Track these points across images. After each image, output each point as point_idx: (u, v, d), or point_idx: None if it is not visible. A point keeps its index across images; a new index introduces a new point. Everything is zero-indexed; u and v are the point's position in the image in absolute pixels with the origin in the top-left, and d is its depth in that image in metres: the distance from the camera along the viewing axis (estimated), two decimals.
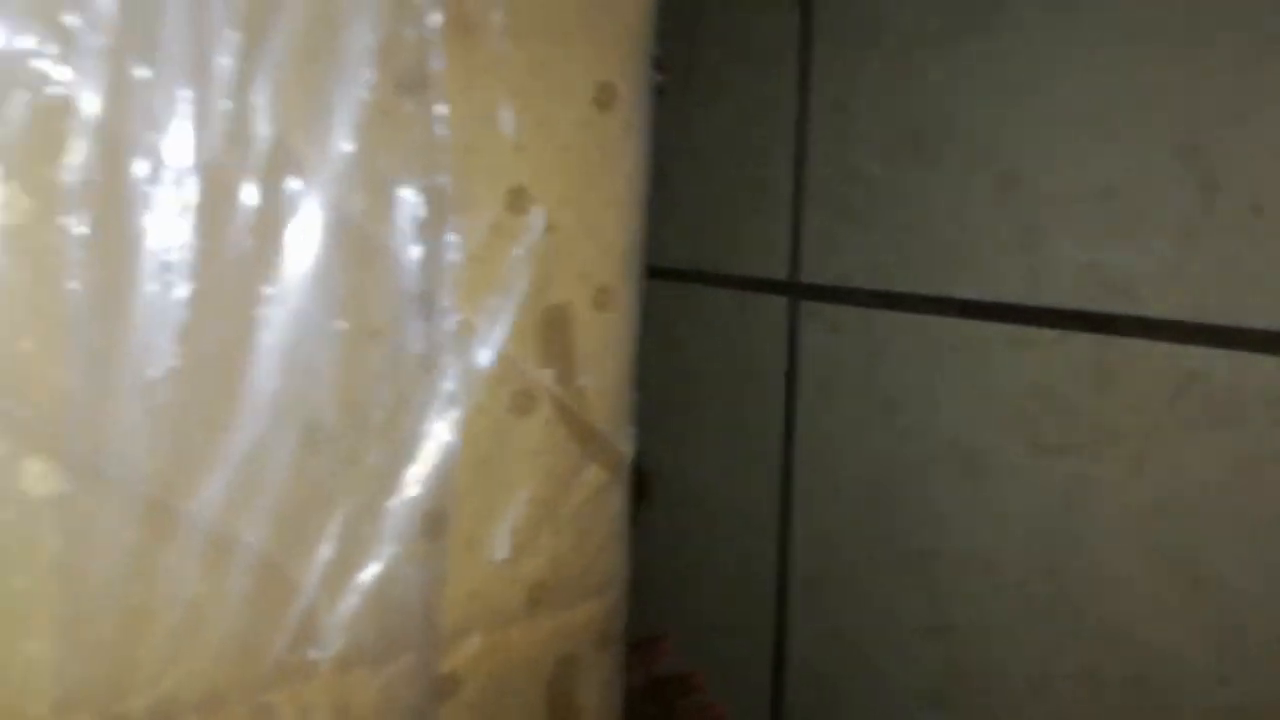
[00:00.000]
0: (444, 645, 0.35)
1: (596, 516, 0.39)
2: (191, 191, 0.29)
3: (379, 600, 0.34)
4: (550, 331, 0.38)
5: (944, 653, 0.58)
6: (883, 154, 0.60)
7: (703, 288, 0.72)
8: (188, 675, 0.30)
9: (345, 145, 0.32)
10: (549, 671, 0.38)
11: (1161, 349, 0.48)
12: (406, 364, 0.34)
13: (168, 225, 0.29)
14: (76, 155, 0.27)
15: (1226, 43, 0.45)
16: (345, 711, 0.33)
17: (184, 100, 0.28)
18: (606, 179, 0.39)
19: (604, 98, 0.39)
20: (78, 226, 0.27)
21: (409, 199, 0.34)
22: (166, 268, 0.29)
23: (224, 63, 0.29)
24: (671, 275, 0.73)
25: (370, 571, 0.34)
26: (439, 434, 0.34)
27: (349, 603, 0.33)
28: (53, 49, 0.26)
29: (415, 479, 0.34)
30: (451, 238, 0.35)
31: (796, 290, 0.65)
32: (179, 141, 0.29)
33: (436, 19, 0.34)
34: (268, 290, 0.31)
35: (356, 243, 0.33)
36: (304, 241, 0.31)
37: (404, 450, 0.34)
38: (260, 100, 0.30)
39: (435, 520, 0.34)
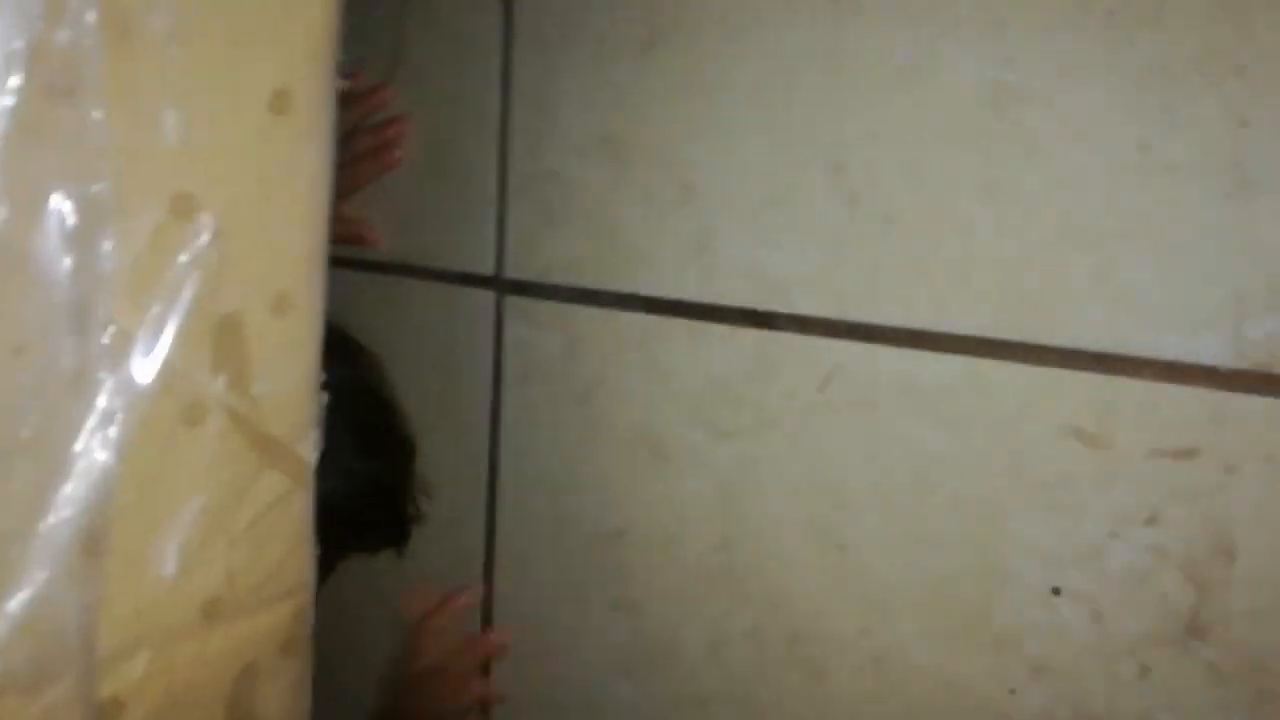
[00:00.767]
0: (105, 668, 0.34)
1: (278, 524, 0.39)
2: None
3: (31, 626, 0.32)
4: (222, 339, 0.37)
5: (631, 625, 0.62)
6: (579, 156, 0.63)
7: (413, 281, 0.72)
8: None
9: None
10: (229, 683, 0.38)
11: (812, 343, 0.54)
12: (56, 380, 0.32)
13: None
14: None
15: (864, 72, 0.51)
16: None
17: None
18: (283, 184, 0.39)
19: (280, 103, 0.39)
20: None
21: (60, 208, 0.32)
22: None
23: None
24: (379, 268, 0.73)
25: (21, 597, 0.32)
26: (94, 451, 0.33)
27: None
28: None
29: (69, 499, 0.33)
30: (107, 246, 0.34)
31: (502, 285, 0.67)
32: None
33: (91, 21, 0.32)
34: None
35: (1, 254, 0.31)
36: None
37: (56, 470, 0.33)
38: None
39: (93, 540, 0.33)
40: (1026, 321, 0.47)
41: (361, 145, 0.71)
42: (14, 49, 0.31)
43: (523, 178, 0.66)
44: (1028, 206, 0.47)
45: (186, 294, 0.36)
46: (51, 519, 0.33)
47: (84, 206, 0.33)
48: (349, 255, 0.72)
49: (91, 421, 0.33)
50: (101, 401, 0.34)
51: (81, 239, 0.33)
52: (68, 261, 0.33)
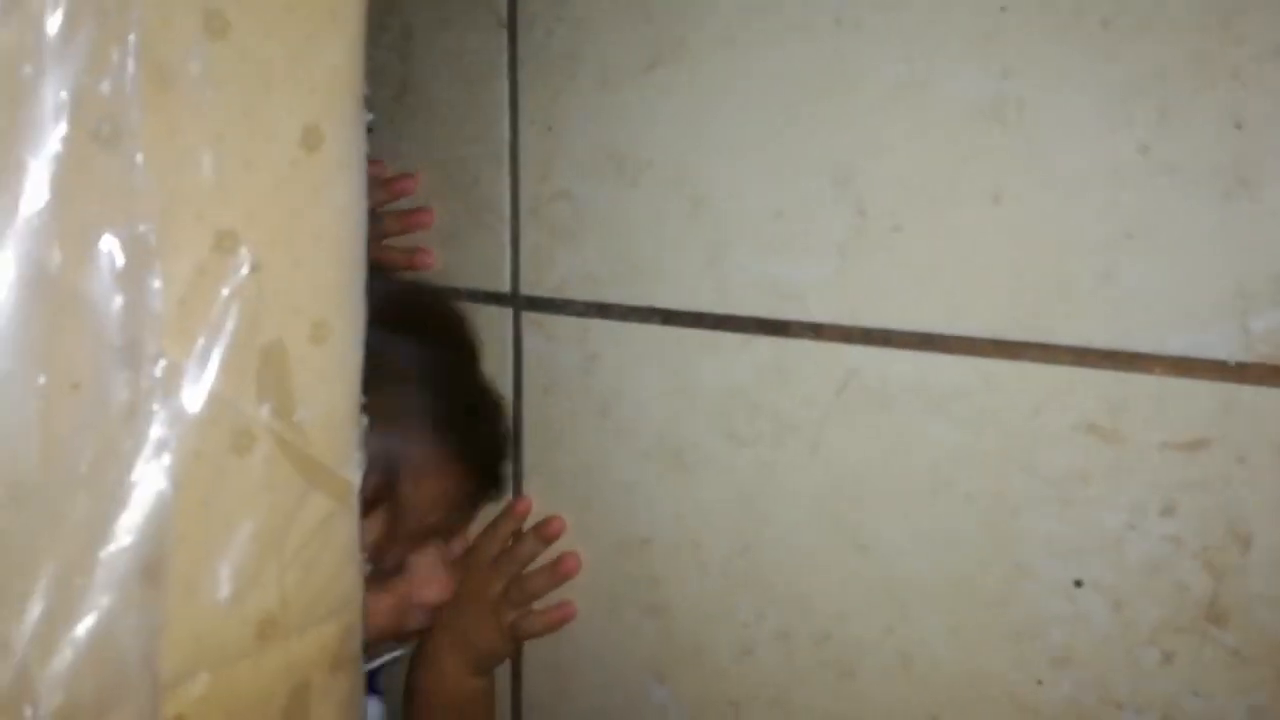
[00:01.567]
0: (167, 691, 0.35)
1: (325, 545, 0.40)
2: None
3: (95, 652, 0.33)
4: (265, 368, 0.39)
5: (662, 629, 0.64)
6: (589, 175, 0.64)
7: None
8: None
9: (39, 200, 0.31)
10: (284, 701, 0.39)
11: (827, 349, 0.56)
12: (111, 414, 0.34)
13: None
14: None
15: (866, 86, 0.53)
16: None
17: None
18: (317, 216, 0.41)
19: (311, 139, 0.40)
20: None
21: (110, 249, 0.34)
22: None
23: None
24: None
25: (84, 625, 0.33)
26: (151, 480, 0.35)
27: (63, 657, 0.33)
28: None
29: (127, 528, 0.34)
30: (155, 284, 0.35)
31: (519, 302, 0.69)
32: None
33: (132, 70, 0.34)
34: None
35: (55, 296, 0.32)
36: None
37: (114, 500, 0.34)
38: None
39: (152, 566, 0.35)
40: (1036, 322, 0.49)
41: (388, 228, 0.74)
42: (61, 100, 0.33)
43: (534, 198, 0.67)
44: (1032, 211, 0.48)
45: (230, 326, 0.37)
46: (112, 548, 0.34)
47: (132, 247, 0.35)
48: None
49: (147, 452, 0.35)
50: (155, 432, 0.35)
51: (131, 278, 0.34)
52: (119, 300, 0.34)
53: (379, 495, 0.55)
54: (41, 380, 0.32)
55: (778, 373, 0.57)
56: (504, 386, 0.69)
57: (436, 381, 0.60)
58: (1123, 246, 0.46)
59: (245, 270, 0.38)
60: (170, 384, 0.35)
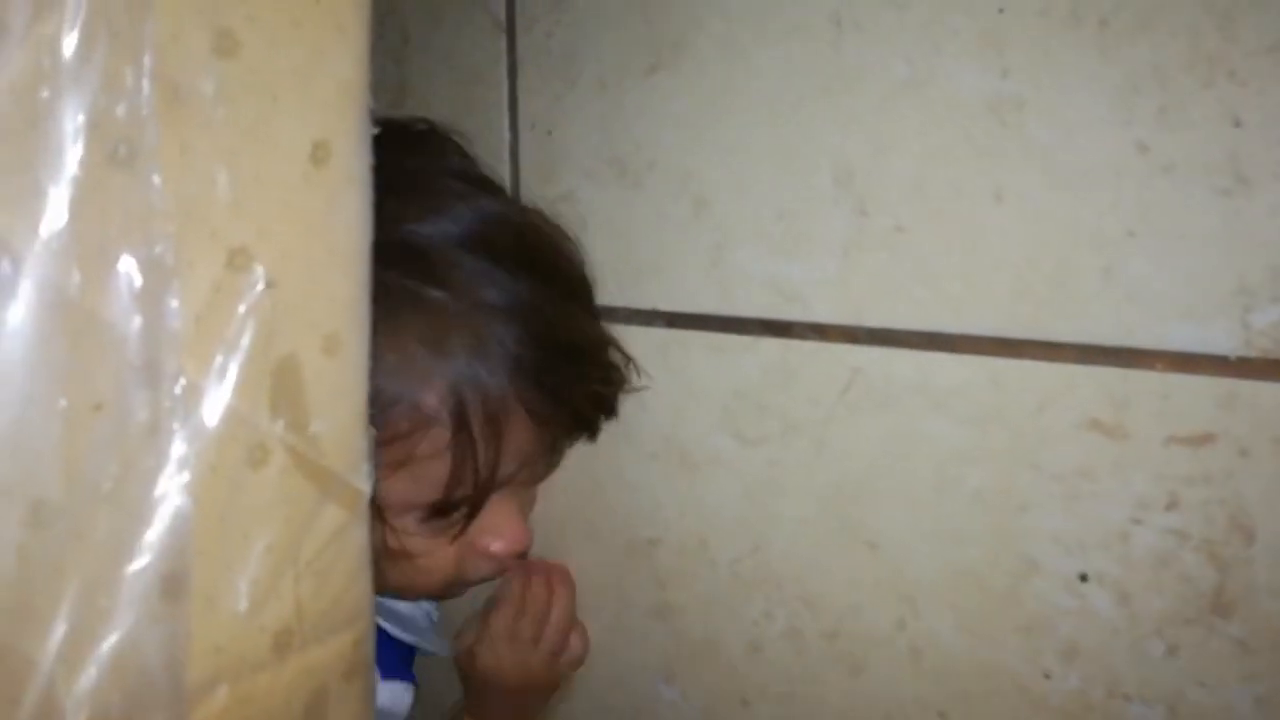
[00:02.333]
0: (190, 702, 0.36)
1: (339, 555, 0.41)
2: None
3: (121, 669, 0.34)
4: (280, 382, 0.39)
5: (671, 629, 0.64)
6: (590, 178, 0.65)
7: None
8: None
9: (58, 223, 0.32)
10: (300, 710, 0.40)
11: (832, 349, 0.56)
12: (132, 433, 0.34)
13: None
14: None
15: (866, 87, 0.53)
16: None
17: None
18: (327, 230, 0.41)
19: (320, 154, 0.40)
20: None
21: (128, 270, 0.34)
22: None
23: None
24: None
25: (109, 642, 0.34)
26: (172, 497, 0.35)
27: (89, 675, 0.33)
28: None
29: (150, 544, 0.35)
30: (173, 303, 0.35)
31: None
32: None
33: (147, 92, 0.34)
34: None
35: (75, 318, 0.33)
36: (20, 322, 0.31)
37: (136, 517, 0.34)
38: None
39: (174, 582, 0.35)
40: (1039, 320, 0.49)
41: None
42: (78, 123, 0.33)
43: (536, 201, 0.67)
44: (1033, 209, 0.49)
45: (245, 342, 0.38)
46: (135, 565, 0.34)
47: (149, 267, 0.35)
48: None
49: (169, 469, 0.35)
50: (176, 450, 0.35)
51: (149, 298, 0.35)
52: (138, 320, 0.35)
53: (448, 430, 0.52)
54: (63, 403, 0.32)
55: (783, 373, 0.58)
56: None
57: (529, 320, 0.56)
58: (1124, 244, 0.47)
59: (260, 286, 0.38)
60: (190, 402, 0.36)
